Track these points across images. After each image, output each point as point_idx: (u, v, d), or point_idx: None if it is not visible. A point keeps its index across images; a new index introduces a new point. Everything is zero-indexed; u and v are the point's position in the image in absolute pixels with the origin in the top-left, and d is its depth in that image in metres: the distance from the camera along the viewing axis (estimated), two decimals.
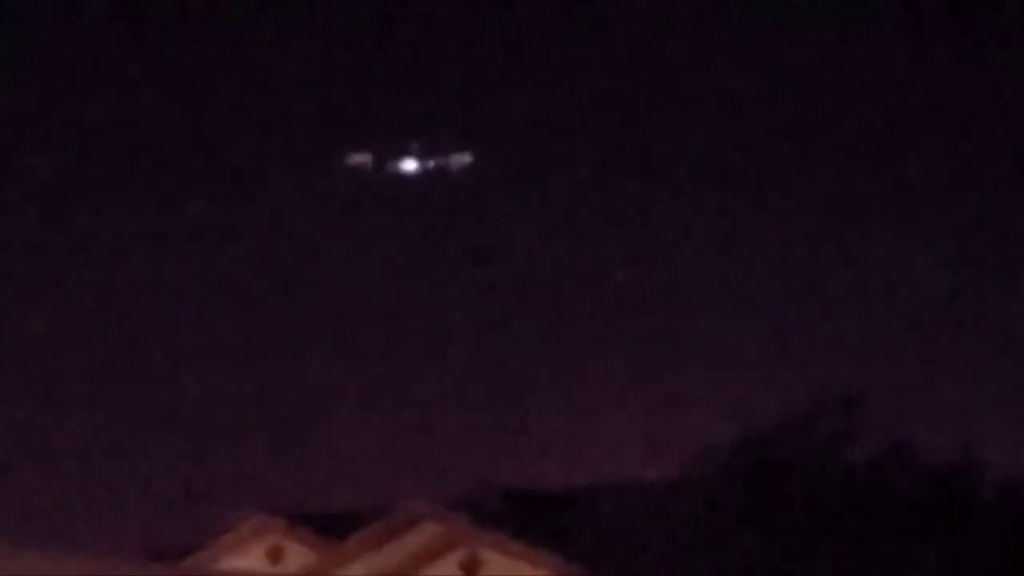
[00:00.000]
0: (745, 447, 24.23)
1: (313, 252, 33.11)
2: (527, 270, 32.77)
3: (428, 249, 33.10)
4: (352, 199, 32.80)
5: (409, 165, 31.57)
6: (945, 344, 30.01)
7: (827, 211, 31.51)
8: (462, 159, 31.41)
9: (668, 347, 30.57)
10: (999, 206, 31.36)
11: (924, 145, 31.80)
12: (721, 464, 24.00)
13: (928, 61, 31.40)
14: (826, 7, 30.82)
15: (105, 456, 30.88)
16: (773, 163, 31.69)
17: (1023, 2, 30.89)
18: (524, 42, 32.28)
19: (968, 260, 30.90)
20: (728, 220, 31.54)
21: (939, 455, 24.43)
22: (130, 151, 33.16)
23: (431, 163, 31.49)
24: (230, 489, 28.17)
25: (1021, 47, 31.07)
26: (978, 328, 30.35)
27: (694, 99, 31.79)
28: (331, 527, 23.76)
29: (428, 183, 31.80)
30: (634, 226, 32.41)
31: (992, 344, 29.82)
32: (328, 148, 32.79)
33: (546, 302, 32.42)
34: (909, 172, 31.82)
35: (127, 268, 32.72)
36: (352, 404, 31.57)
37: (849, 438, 24.51)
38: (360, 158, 31.89)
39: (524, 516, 23.06)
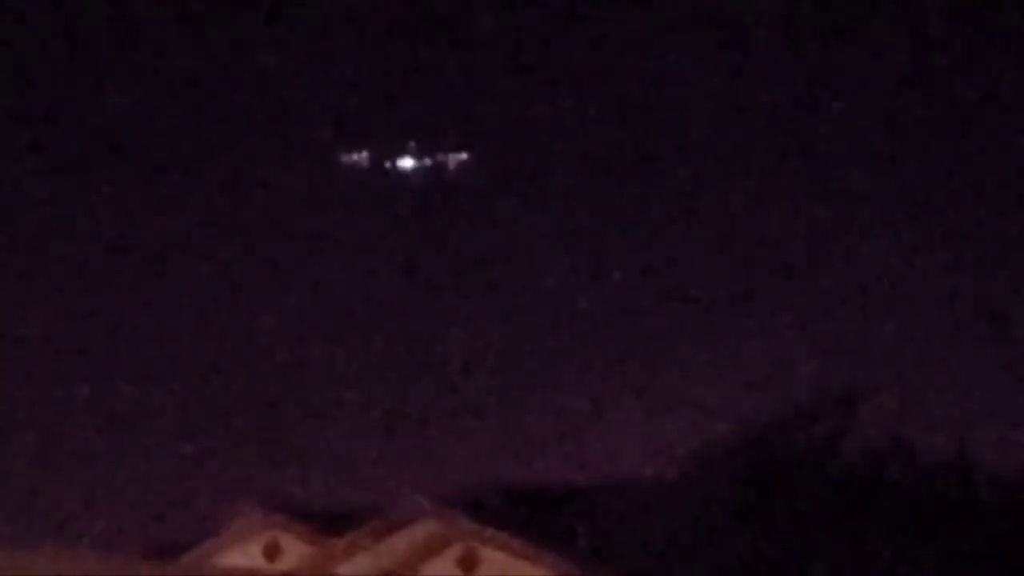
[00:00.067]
0: (745, 446, 24.26)
1: (312, 251, 33.10)
2: (526, 269, 32.76)
3: (427, 248, 33.09)
4: (350, 198, 32.83)
5: (407, 164, 31.63)
6: (945, 344, 29.98)
7: (827, 211, 31.47)
8: (460, 158, 31.44)
9: (668, 347, 30.54)
10: (999, 206, 31.34)
11: (924, 145, 31.80)
12: (721, 463, 24.02)
13: (928, 61, 31.41)
14: (826, 7, 30.82)
15: (103, 453, 30.85)
16: (773, 163, 31.68)
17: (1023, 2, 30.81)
18: (524, 42, 32.29)
19: (968, 260, 30.86)
20: (728, 220, 31.53)
21: (938, 455, 24.45)
22: (129, 150, 33.16)
23: (429, 162, 31.53)
24: (227, 485, 28.10)
25: (1021, 47, 31.03)
26: (977, 328, 30.31)
27: (694, 99, 31.81)
28: (329, 523, 23.78)
29: (426, 182, 31.85)
30: (634, 226, 32.40)
31: (991, 344, 29.80)
32: (327, 147, 32.82)
33: (546, 301, 32.40)
34: (909, 172, 31.80)
35: (126, 267, 32.71)
36: (351, 401, 31.54)
37: (848, 437, 24.54)
38: (358, 157, 31.92)
39: (523, 514, 23.07)
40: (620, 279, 31.90)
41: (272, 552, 24.21)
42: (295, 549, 24.06)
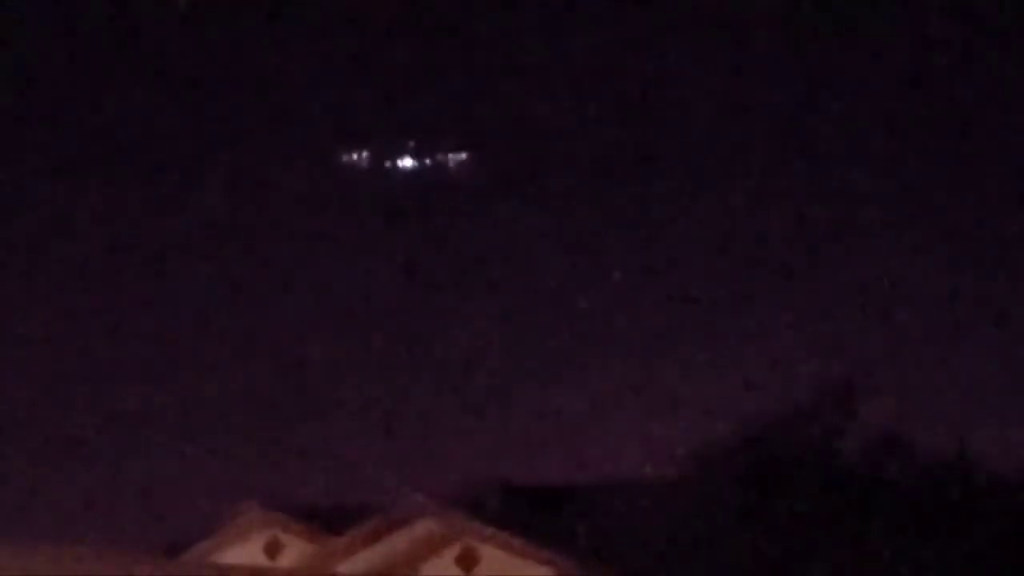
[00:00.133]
0: (745, 446, 24.25)
1: (312, 251, 33.15)
2: (526, 269, 32.81)
3: (427, 248, 33.13)
4: (350, 198, 32.87)
5: (407, 164, 31.66)
6: (945, 344, 30.03)
7: (827, 211, 31.50)
8: (460, 158, 31.47)
9: (668, 347, 30.58)
10: (999, 206, 31.38)
11: (924, 145, 31.84)
12: (721, 463, 24.01)
13: (928, 61, 31.44)
14: (826, 7, 30.86)
15: (103, 453, 30.91)
16: (773, 163, 31.72)
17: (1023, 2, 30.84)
18: (524, 42, 32.32)
19: (968, 260, 30.89)
20: (728, 220, 31.57)
21: (938, 455, 24.45)
22: (129, 150, 33.21)
23: (429, 162, 31.56)
24: (227, 485, 28.14)
25: (1021, 47, 31.07)
26: (977, 328, 30.36)
27: (694, 99, 31.85)
28: (329, 522, 23.78)
29: (426, 182, 31.89)
30: (634, 226, 32.44)
31: (991, 344, 29.84)
32: (327, 147, 32.87)
33: (546, 301, 32.44)
34: (909, 172, 31.84)
35: (126, 267, 32.77)
36: (351, 401, 31.59)
37: (848, 437, 24.54)
38: (358, 157, 31.95)
39: (523, 513, 23.05)
40: (620, 279, 31.94)
41: (273, 550, 24.21)
42: (296, 547, 24.06)
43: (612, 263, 32.00)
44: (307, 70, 33.18)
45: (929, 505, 23.14)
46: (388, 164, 31.99)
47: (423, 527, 22.61)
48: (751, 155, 31.56)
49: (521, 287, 32.66)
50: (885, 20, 30.85)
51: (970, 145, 31.46)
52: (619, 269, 31.92)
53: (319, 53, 32.94)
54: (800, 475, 23.48)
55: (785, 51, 31.28)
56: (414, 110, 32.96)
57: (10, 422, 29.75)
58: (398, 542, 22.66)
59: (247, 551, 24.26)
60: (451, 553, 22.46)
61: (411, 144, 31.73)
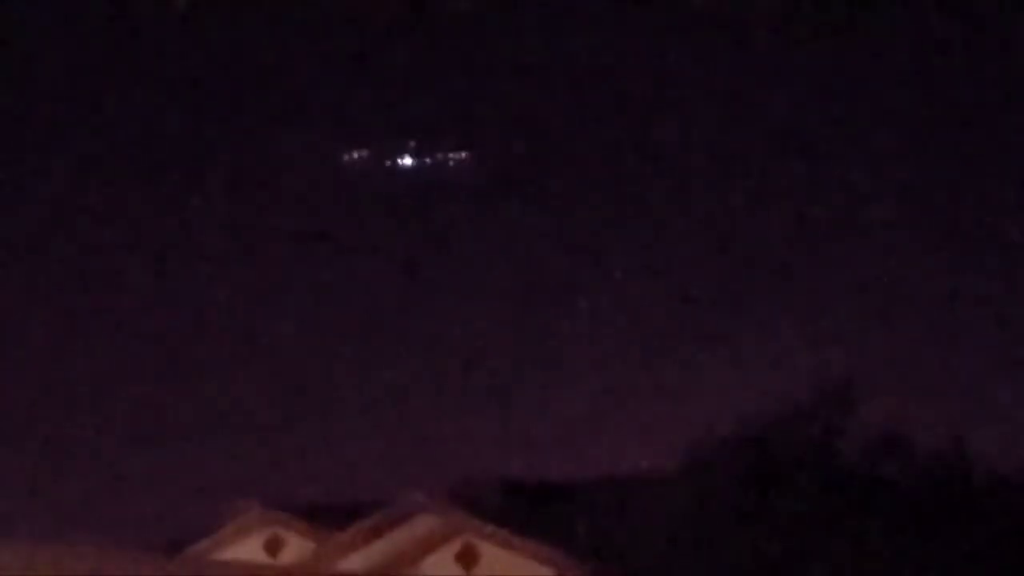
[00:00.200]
0: (743, 443, 24.24)
1: (312, 251, 33.15)
2: (526, 269, 32.82)
3: (427, 248, 33.15)
4: (350, 198, 32.88)
5: (407, 163, 31.66)
6: (945, 344, 30.03)
7: (827, 211, 31.52)
8: (460, 158, 31.47)
9: (668, 347, 30.59)
10: (999, 206, 31.39)
11: (924, 145, 31.85)
12: (721, 463, 24.00)
13: (928, 61, 31.46)
14: (826, 7, 30.86)
15: (103, 453, 30.90)
16: (773, 163, 31.73)
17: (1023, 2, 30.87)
18: (524, 42, 32.33)
19: (968, 260, 30.90)
20: (728, 220, 31.58)
21: (938, 455, 24.43)
22: (131, 150, 33.22)
23: (429, 161, 31.56)
24: (229, 483, 28.14)
25: (1021, 47, 31.08)
26: (977, 328, 30.37)
27: (694, 99, 31.85)
28: (329, 519, 23.80)
29: (426, 182, 31.88)
30: (634, 226, 32.45)
31: (991, 344, 29.85)
32: (327, 147, 32.85)
33: (546, 301, 32.45)
34: (909, 172, 31.85)
35: (128, 267, 32.77)
36: (352, 400, 31.61)
37: (848, 437, 24.52)
38: (358, 157, 31.96)
39: (523, 510, 23.08)
40: (620, 279, 31.97)
41: (274, 547, 24.24)
42: (296, 544, 24.09)
43: (612, 263, 32.05)
44: (307, 70, 33.21)
45: (929, 505, 23.12)
46: (388, 164, 31.99)
47: (423, 524, 22.65)
48: (751, 155, 31.59)
49: (521, 287, 32.68)
50: (885, 20, 30.88)
51: (970, 145, 31.49)
52: (619, 269, 31.97)
53: (319, 53, 32.97)
54: (800, 475, 23.45)
55: (785, 51, 31.31)
56: (414, 110, 33.00)
57: (10, 422, 29.74)
58: (398, 539, 22.69)
59: (248, 549, 24.29)
60: (451, 550, 22.49)
61: (411, 144, 31.73)
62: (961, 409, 27.04)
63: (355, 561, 22.79)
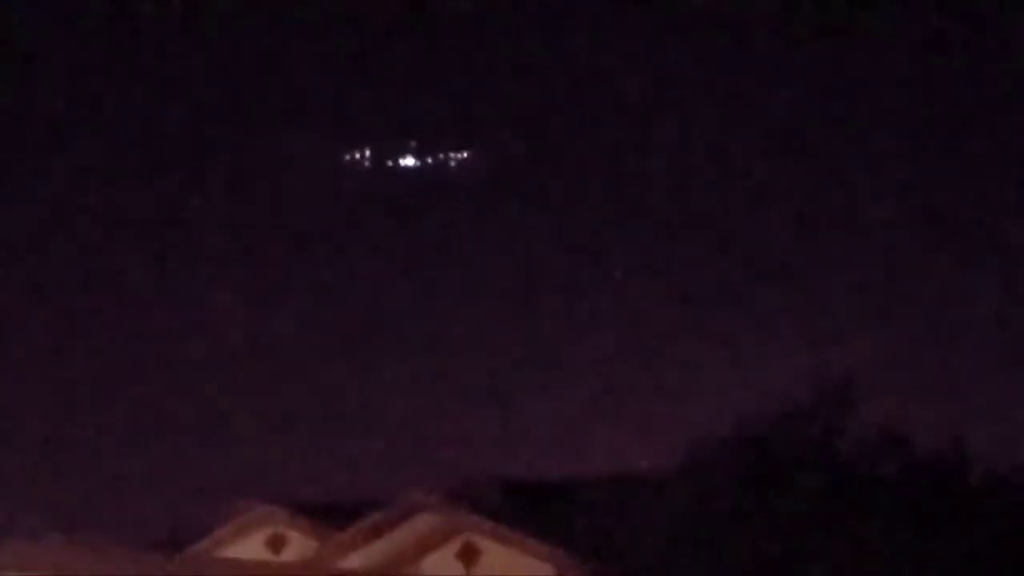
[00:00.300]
0: (743, 443, 24.24)
1: (312, 251, 33.20)
2: (526, 269, 32.84)
3: (427, 248, 33.18)
4: (350, 198, 32.91)
5: (407, 163, 31.68)
6: (945, 344, 30.05)
7: (827, 211, 31.56)
8: (460, 157, 31.49)
9: (668, 347, 30.61)
10: (999, 206, 31.42)
11: (924, 145, 31.87)
12: (721, 463, 24.00)
13: (928, 61, 31.48)
14: (826, 7, 30.88)
15: (103, 452, 30.93)
16: (773, 163, 31.74)
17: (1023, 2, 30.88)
18: (524, 42, 32.35)
19: (968, 260, 30.93)
20: (728, 220, 31.61)
21: (938, 455, 24.45)
22: (131, 150, 33.24)
23: (429, 161, 31.58)
24: (230, 481, 28.17)
25: (1021, 47, 31.11)
26: (977, 327, 30.39)
27: (694, 99, 31.88)
28: (331, 517, 23.80)
29: (427, 181, 31.90)
30: (634, 226, 32.48)
31: (991, 344, 29.87)
32: (328, 147, 32.88)
33: (546, 301, 32.47)
34: (909, 172, 31.87)
35: (129, 267, 32.79)
36: (352, 399, 31.63)
37: (848, 437, 24.53)
38: (358, 157, 31.98)
39: (523, 509, 23.07)
40: (620, 279, 31.99)
41: (276, 545, 24.25)
42: (298, 542, 24.11)
43: (612, 263, 32.07)
44: (307, 70, 33.23)
45: (928, 505, 23.12)
46: (389, 163, 32.02)
47: (424, 522, 22.65)
48: (751, 155, 31.60)
49: (521, 287, 32.71)
50: (885, 20, 30.90)
51: (970, 145, 31.51)
52: (619, 269, 32.00)
53: (319, 53, 32.99)
54: (800, 475, 23.45)
55: (785, 51, 31.33)
56: (414, 110, 33.02)
57: (10, 422, 29.76)
58: (400, 537, 22.70)
59: (250, 546, 24.31)
60: (452, 548, 22.50)
61: (412, 143, 31.77)
62: (961, 409, 27.05)
63: (356, 559, 22.80)
